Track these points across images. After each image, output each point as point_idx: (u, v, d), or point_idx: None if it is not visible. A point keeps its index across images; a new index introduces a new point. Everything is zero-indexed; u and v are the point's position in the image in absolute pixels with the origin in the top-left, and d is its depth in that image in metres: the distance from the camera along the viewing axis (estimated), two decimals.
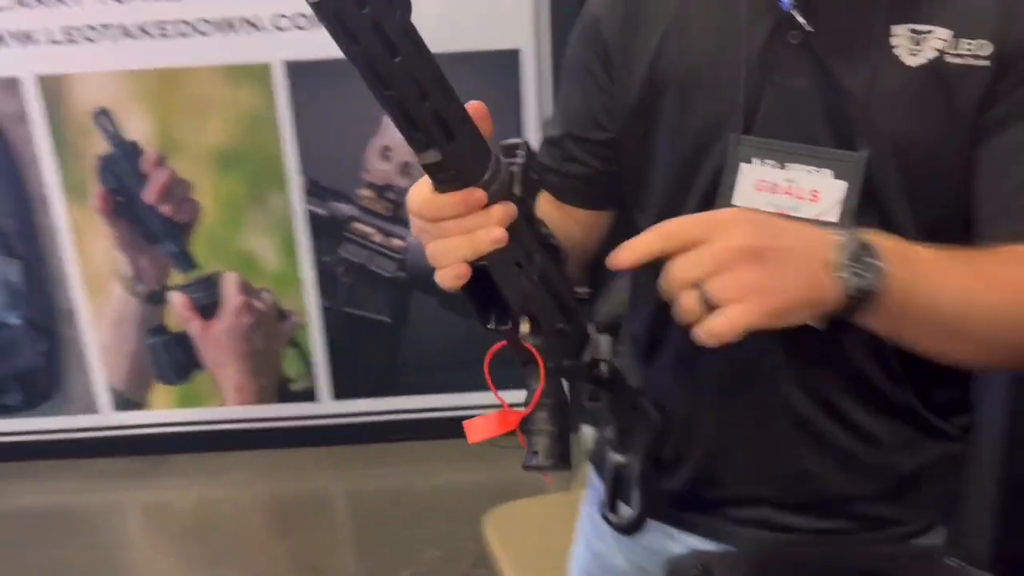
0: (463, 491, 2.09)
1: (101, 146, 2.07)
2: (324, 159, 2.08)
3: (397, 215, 2.11)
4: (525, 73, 1.98)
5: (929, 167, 0.67)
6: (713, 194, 0.70)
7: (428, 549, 1.94)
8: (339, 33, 0.46)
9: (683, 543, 0.79)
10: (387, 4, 0.46)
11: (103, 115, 2.05)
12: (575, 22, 0.80)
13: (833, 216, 0.67)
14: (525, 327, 0.58)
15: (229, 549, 2.05)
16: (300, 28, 1.96)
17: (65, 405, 2.28)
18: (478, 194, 0.52)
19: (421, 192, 0.54)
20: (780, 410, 0.73)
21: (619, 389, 0.67)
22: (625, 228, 0.80)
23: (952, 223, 0.68)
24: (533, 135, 2.01)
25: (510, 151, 0.56)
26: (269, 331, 2.22)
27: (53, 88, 2.03)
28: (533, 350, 0.58)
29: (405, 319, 2.20)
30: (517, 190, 0.55)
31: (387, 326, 2.21)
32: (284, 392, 2.27)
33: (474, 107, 0.53)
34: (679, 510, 0.79)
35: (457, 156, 0.51)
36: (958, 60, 0.65)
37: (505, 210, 0.54)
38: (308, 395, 2.27)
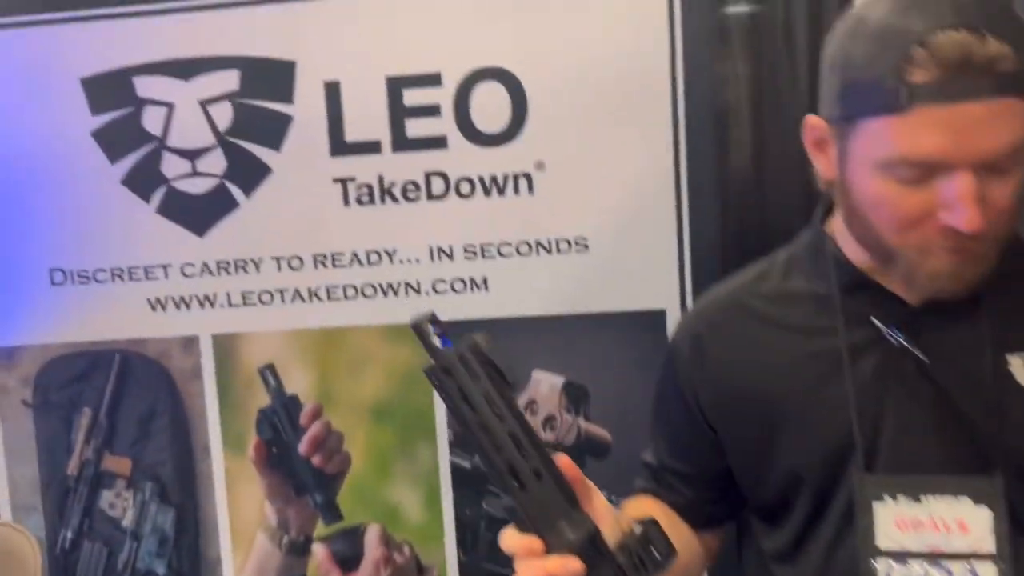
0: None
1: (262, 399, 2.19)
2: None
3: None
4: (670, 333, 2.04)
5: None
6: (848, 530, 0.70)
7: None
8: (435, 386, 0.63)
9: None
10: (471, 375, 0.61)
11: (268, 370, 2.18)
12: (713, 283, 0.85)
13: (989, 546, 0.66)
14: None
15: None
16: (456, 291, 2.10)
17: None
18: (535, 545, 0.57)
19: (508, 529, 0.63)
20: None
21: None
22: (755, 551, 0.80)
23: None
24: None
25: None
26: None
27: (225, 345, 2.19)
28: None
29: None
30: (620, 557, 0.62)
31: None
32: None
33: (562, 462, 0.63)
34: None
35: (527, 505, 0.61)
36: None
37: (563, 564, 0.59)
38: None
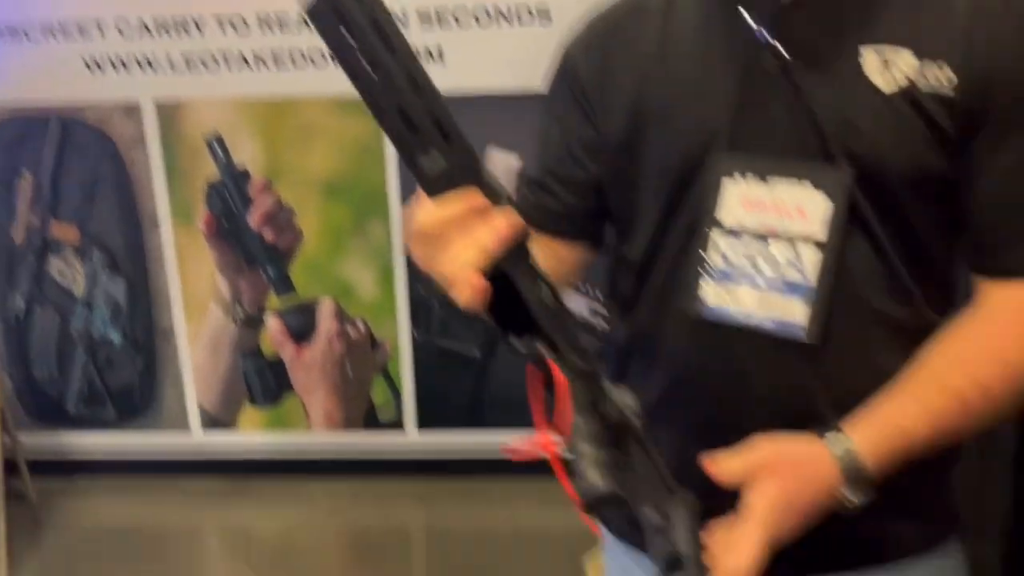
0: (550, 535, 2.04)
1: (210, 171, 2.12)
2: None
3: None
4: None
5: (908, 191, 0.68)
6: (700, 214, 0.71)
7: None
8: (336, 33, 0.46)
9: None
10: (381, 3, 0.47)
11: (215, 141, 2.10)
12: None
13: (820, 234, 0.68)
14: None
15: None
16: None
17: (156, 422, 2.31)
18: (475, 194, 0.51)
19: (421, 207, 0.53)
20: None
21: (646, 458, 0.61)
22: (615, 261, 0.81)
23: (936, 244, 0.70)
24: None
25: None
26: (361, 359, 2.22)
27: (169, 113, 2.09)
28: (554, 365, 0.56)
29: (494, 353, 2.18)
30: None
31: (476, 360, 2.19)
32: (371, 421, 2.27)
33: None
34: None
35: (454, 158, 0.50)
36: (928, 90, 0.67)
37: (509, 215, 0.52)
38: (395, 425, 2.26)
